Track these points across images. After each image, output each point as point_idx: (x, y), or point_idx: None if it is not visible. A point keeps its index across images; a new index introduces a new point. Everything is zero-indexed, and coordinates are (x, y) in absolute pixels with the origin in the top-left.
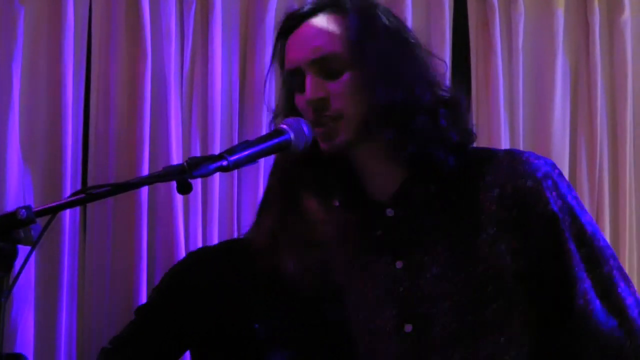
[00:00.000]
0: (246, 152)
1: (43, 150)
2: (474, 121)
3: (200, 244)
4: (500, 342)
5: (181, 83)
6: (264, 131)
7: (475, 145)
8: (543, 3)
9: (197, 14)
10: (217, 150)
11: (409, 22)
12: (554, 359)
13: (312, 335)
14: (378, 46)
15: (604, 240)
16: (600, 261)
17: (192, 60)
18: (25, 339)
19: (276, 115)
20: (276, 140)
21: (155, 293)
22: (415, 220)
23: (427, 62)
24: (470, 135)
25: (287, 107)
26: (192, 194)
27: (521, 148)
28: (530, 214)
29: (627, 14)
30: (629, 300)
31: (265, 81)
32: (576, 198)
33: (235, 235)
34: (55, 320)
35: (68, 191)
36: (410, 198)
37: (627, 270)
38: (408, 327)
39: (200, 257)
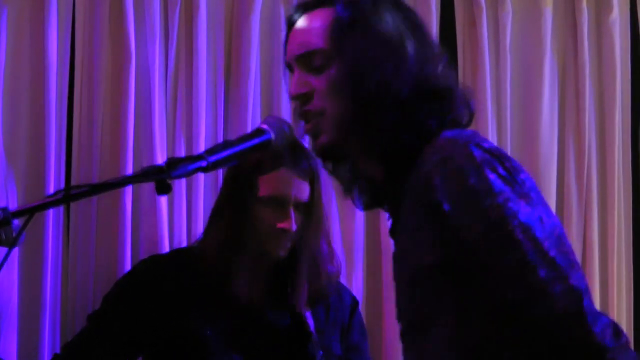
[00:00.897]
0: (226, 153)
1: (26, 150)
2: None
3: (185, 244)
4: (437, 340)
5: (165, 83)
6: (249, 131)
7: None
8: (531, 2)
9: (182, 13)
10: (201, 150)
11: None
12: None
13: (259, 340)
14: (360, 40)
15: (522, 222)
16: (506, 248)
17: (176, 60)
18: (8, 341)
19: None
20: (257, 141)
21: (106, 300)
22: (395, 221)
23: (418, 52)
24: (454, 123)
25: None
26: (176, 193)
27: (509, 148)
28: (424, 203)
29: (615, 13)
30: (553, 288)
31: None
32: (487, 179)
33: None
34: (38, 323)
35: (51, 191)
36: (389, 201)
37: (615, 272)
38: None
39: (151, 265)
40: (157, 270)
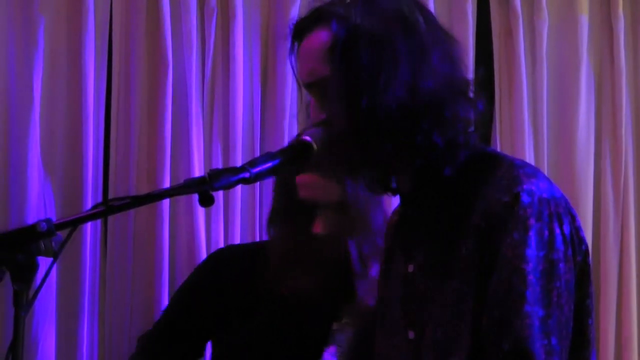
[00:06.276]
0: (268, 165)
1: (64, 159)
2: (497, 129)
3: None
4: None
5: (202, 91)
6: (286, 139)
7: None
8: (567, 9)
9: (219, 21)
10: (238, 158)
11: None
12: None
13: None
14: (360, 61)
15: (561, 286)
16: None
17: (213, 68)
18: (46, 352)
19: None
20: (299, 152)
21: (181, 290)
22: (421, 222)
23: (423, 58)
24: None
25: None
26: None
27: (545, 155)
28: (495, 232)
29: None
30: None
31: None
32: (552, 233)
33: (258, 238)
34: (76, 332)
35: (89, 201)
36: (419, 198)
37: None
38: (411, 334)
39: (223, 256)
40: (229, 261)
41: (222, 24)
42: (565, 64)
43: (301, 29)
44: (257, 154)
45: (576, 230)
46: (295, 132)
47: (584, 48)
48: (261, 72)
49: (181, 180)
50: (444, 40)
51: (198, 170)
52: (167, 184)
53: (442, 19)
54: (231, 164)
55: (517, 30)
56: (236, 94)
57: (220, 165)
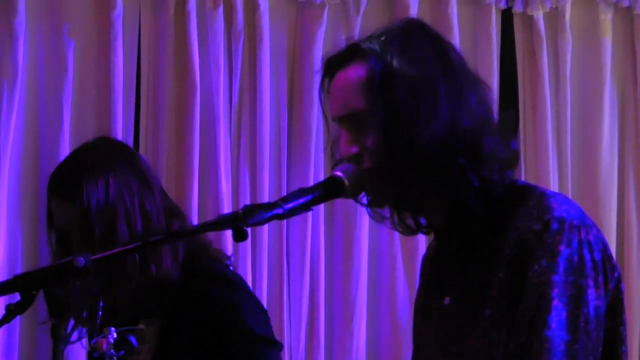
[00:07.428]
0: (301, 200)
1: None
2: (521, 150)
3: (250, 285)
4: None
5: (230, 115)
6: (312, 161)
7: (523, 175)
8: (590, 32)
9: (246, 46)
10: (265, 181)
11: None
12: None
13: None
14: (391, 98)
15: (589, 312)
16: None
17: (240, 91)
18: None
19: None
20: (330, 188)
21: None
22: (456, 255)
23: (450, 92)
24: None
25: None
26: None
27: (569, 176)
28: (525, 260)
29: None
30: None
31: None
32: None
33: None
34: None
35: None
36: (453, 232)
37: None
38: None
39: None
40: None
41: (249, 47)
42: (589, 85)
43: (334, 64)
44: (285, 176)
45: (608, 257)
46: (322, 156)
47: (607, 70)
48: (288, 95)
49: (209, 205)
50: (477, 83)
51: (226, 195)
52: (195, 207)
53: (467, 42)
54: (258, 187)
55: (541, 51)
56: (263, 117)
57: (247, 189)
